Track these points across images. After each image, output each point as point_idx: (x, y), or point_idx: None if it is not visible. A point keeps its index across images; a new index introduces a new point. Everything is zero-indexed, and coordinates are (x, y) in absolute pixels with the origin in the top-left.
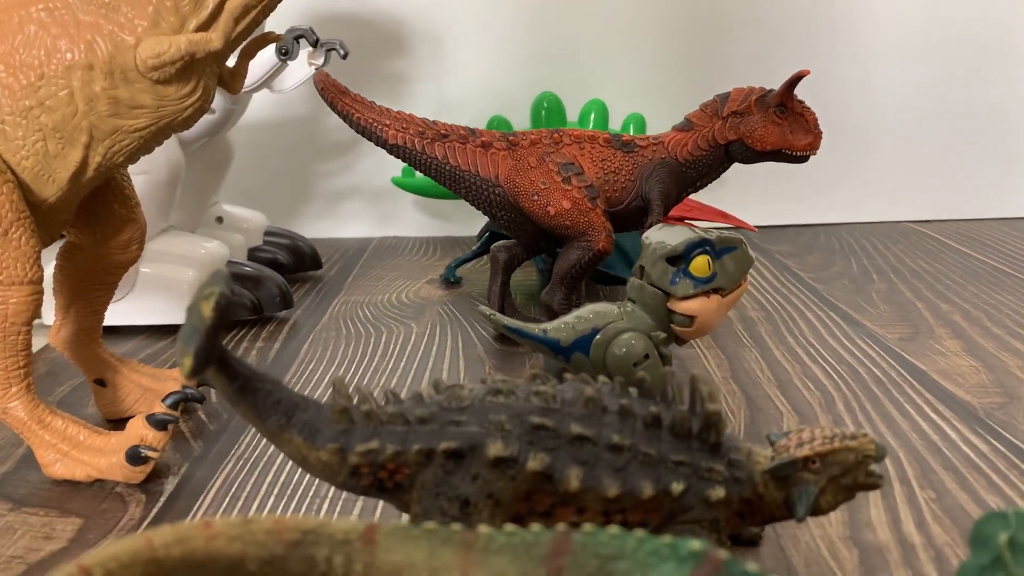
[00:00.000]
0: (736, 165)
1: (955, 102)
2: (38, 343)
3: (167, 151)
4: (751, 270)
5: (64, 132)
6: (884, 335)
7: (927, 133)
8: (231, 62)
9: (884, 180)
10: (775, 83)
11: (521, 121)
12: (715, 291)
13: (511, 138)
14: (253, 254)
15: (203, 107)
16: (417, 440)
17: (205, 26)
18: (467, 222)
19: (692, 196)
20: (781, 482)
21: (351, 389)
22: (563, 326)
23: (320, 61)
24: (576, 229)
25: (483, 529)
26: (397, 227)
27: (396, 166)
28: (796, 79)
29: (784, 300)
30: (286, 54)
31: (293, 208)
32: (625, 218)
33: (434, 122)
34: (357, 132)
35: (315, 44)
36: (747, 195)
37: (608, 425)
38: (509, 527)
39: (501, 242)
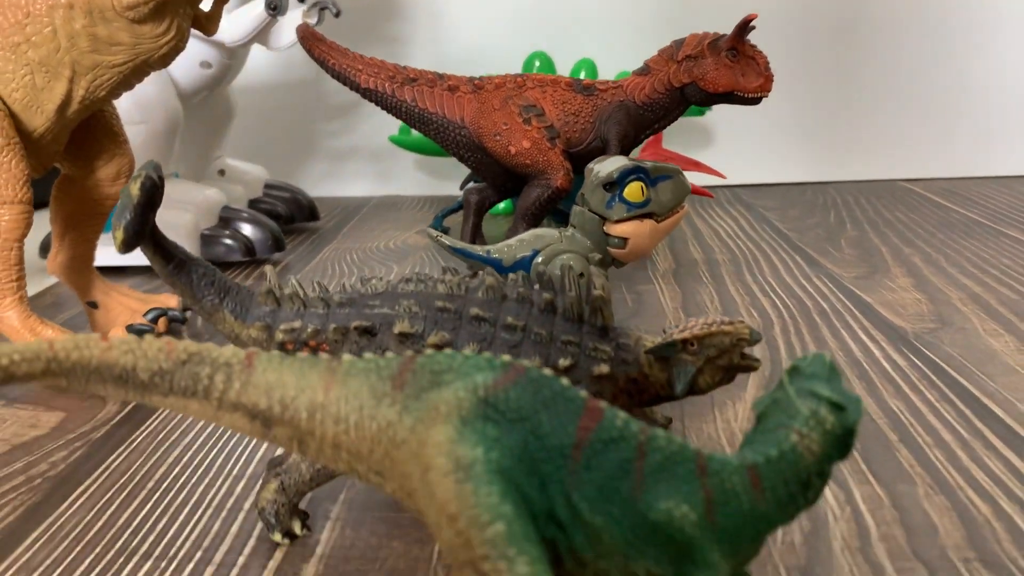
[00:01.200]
0: (729, 125)
1: (952, 60)
2: (49, 281)
3: (164, 102)
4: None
5: (49, 66)
6: (841, 274)
7: (921, 91)
8: (206, 5)
9: (878, 138)
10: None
11: None
12: (648, 216)
13: (476, 82)
14: (253, 205)
15: (178, 46)
16: (335, 320)
17: None
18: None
19: (670, 148)
20: (663, 363)
21: (288, 279)
22: (505, 248)
23: (313, 20)
24: (536, 167)
25: (346, 357)
26: (396, 185)
27: (396, 126)
28: (745, 23)
29: (754, 246)
30: (275, 9)
31: (297, 167)
32: (585, 158)
33: (404, 67)
34: (333, 77)
35: (278, 9)
36: (738, 154)
37: (506, 309)
38: (368, 355)
39: (473, 185)
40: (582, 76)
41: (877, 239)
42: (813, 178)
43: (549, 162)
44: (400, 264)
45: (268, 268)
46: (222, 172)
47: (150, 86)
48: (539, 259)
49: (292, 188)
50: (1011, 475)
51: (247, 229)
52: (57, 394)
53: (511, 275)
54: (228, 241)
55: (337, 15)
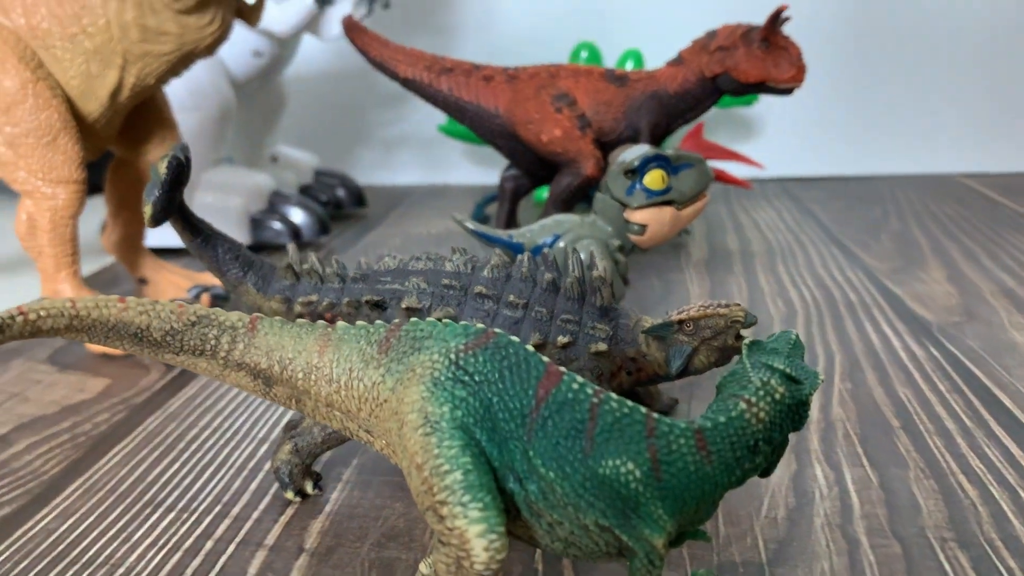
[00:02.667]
0: (780, 116)
1: (1017, 49)
2: (107, 260)
3: (217, 89)
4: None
5: (103, 55)
6: (875, 266)
7: (988, 80)
8: None
9: (937, 130)
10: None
11: None
12: (668, 203)
13: (511, 72)
14: (304, 191)
15: (222, 36)
16: (349, 294)
17: None
18: None
19: (716, 139)
20: (660, 342)
21: (308, 255)
22: (527, 232)
23: (363, 11)
24: (567, 155)
25: (340, 324)
26: (445, 174)
27: (445, 116)
28: (777, 13)
29: (792, 237)
30: (324, 1)
31: (348, 155)
32: (616, 143)
33: (442, 57)
34: (374, 67)
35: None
36: (788, 146)
37: (509, 288)
38: (360, 323)
39: (509, 171)
40: (628, 66)
41: (919, 232)
42: (867, 171)
43: (580, 150)
44: (436, 249)
45: (291, 245)
46: (274, 158)
47: (203, 74)
48: (561, 243)
49: (341, 175)
50: (1007, 462)
51: (295, 213)
52: (105, 362)
53: (519, 256)
54: (276, 225)
55: (386, 6)
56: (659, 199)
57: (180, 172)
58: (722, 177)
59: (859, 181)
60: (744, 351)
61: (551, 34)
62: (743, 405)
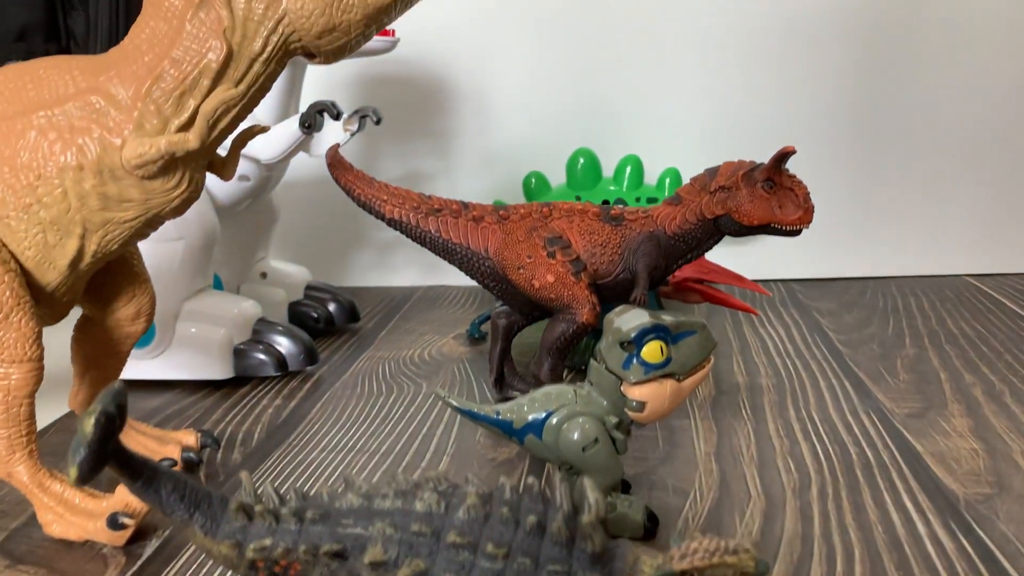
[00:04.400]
0: None
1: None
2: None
3: (201, 218)
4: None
5: (61, 225)
6: (892, 409)
7: (994, 177)
8: (225, 149)
9: (946, 230)
10: (805, 146)
11: (559, 174)
12: (669, 375)
13: (502, 212)
14: (294, 308)
15: (191, 197)
16: (307, 539)
17: (187, 126)
18: None
19: (710, 258)
20: None
21: (264, 486)
22: (516, 407)
23: (354, 127)
24: (560, 302)
25: None
26: (444, 276)
27: None
28: (782, 155)
29: (803, 366)
30: (309, 127)
31: (344, 258)
32: (614, 289)
33: (429, 197)
34: (358, 206)
35: (336, 117)
36: (796, 245)
37: (488, 532)
38: None
39: (501, 307)
40: (627, 172)
41: (937, 360)
42: (875, 272)
43: (574, 296)
44: (430, 381)
45: (244, 475)
46: (264, 275)
47: None
48: (553, 421)
49: (333, 289)
50: None
51: (280, 342)
52: (63, 553)
53: (500, 485)
54: (261, 356)
55: (378, 123)
56: (658, 372)
57: (110, 427)
58: (727, 303)
59: (868, 283)
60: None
61: (548, 139)
62: None
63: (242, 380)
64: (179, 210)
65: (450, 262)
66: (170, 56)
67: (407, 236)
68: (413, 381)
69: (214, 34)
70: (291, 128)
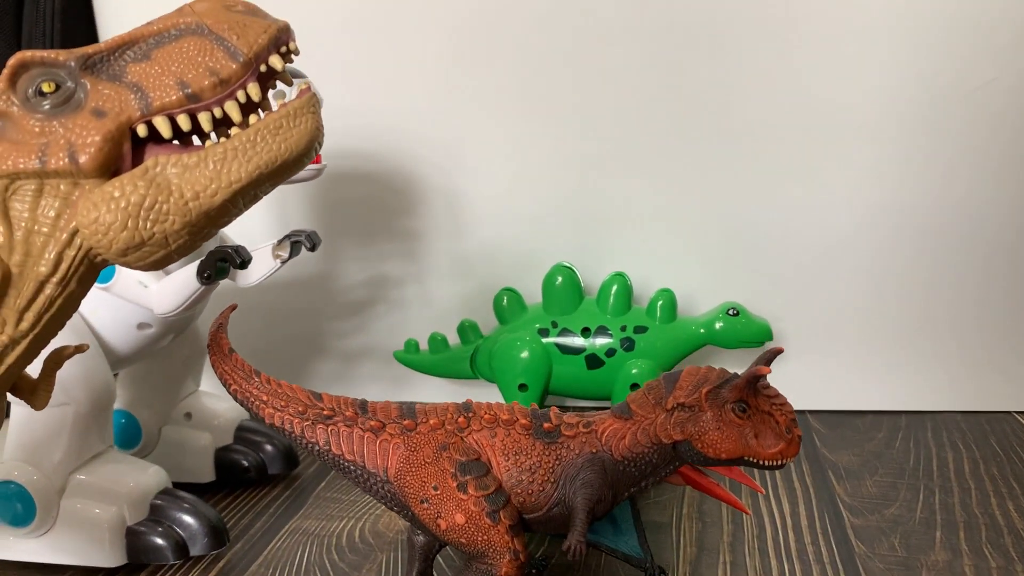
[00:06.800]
0: (801, 337)
1: None
2: None
3: (88, 379)
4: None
5: None
6: None
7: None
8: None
9: (991, 359)
10: (807, 271)
11: (535, 290)
12: None
13: (407, 422)
14: (221, 454)
15: None
16: None
17: None
18: (488, 387)
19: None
20: None
21: None
22: None
23: (285, 254)
24: (473, 548)
25: None
26: (412, 391)
27: (410, 331)
28: (755, 376)
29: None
30: (208, 278)
31: (304, 367)
32: (545, 525)
33: (320, 397)
34: (235, 401)
35: (241, 266)
36: (814, 373)
37: None
38: None
39: None
40: (613, 291)
41: (969, 557)
42: (907, 405)
43: (489, 543)
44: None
45: None
46: (189, 415)
47: (70, 363)
48: None
49: (267, 433)
50: None
51: (182, 521)
52: None
53: None
54: (158, 540)
55: (312, 249)
56: None
57: None
58: (714, 493)
59: (896, 420)
60: None
61: (524, 246)
62: None
63: (138, 566)
64: None
65: (346, 478)
66: None
67: (293, 444)
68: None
69: None
70: (188, 278)
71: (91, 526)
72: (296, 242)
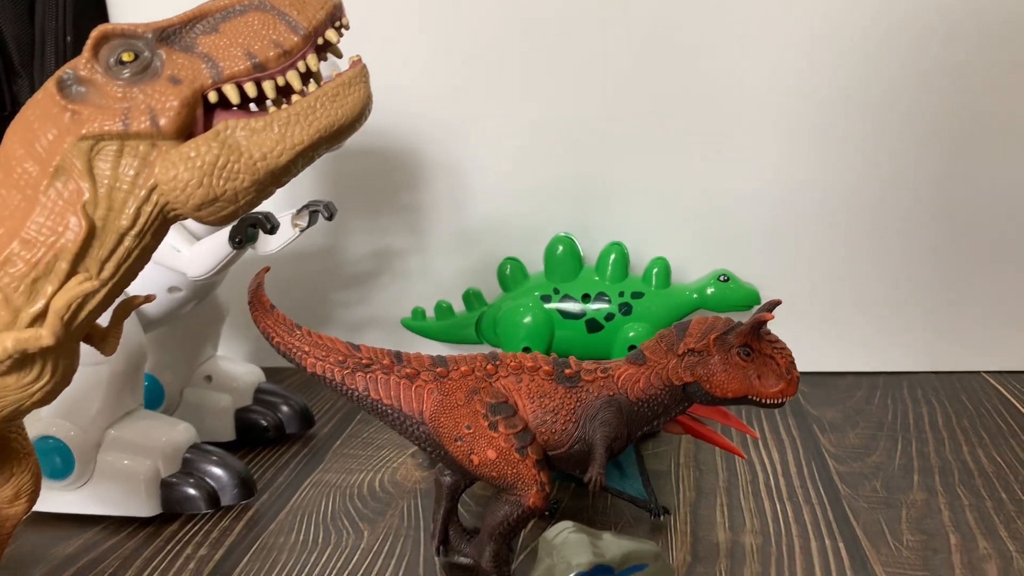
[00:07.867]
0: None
1: None
2: None
3: (125, 338)
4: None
5: None
6: None
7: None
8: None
9: (962, 321)
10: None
11: (539, 258)
12: None
13: (440, 369)
14: (241, 415)
15: (56, 387)
16: None
17: (43, 316)
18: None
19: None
20: None
21: None
22: None
23: (304, 223)
24: (503, 481)
25: None
26: None
27: (415, 301)
28: (759, 322)
29: (795, 515)
30: (240, 243)
31: None
32: (567, 461)
33: (358, 348)
34: (278, 354)
35: (271, 231)
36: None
37: None
38: None
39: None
40: (611, 259)
41: (948, 514)
42: (885, 367)
43: (519, 476)
44: (373, 527)
45: None
46: (209, 378)
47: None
48: None
49: (285, 393)
50: None
51: (213, 473)
52: None
53: None
54: (191, 491)
55: (330, 218)
56: None
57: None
58: (711, 439)
59: (875, 380)
60: None
61: (526, 219)
62: None
63: (169, 517)
64: (45, 399)
65: (382, 421)
66: (20, 235)
67: (332, 391)
68: (354, 526)
69: (72, 209)
70: (220, 243)
71: (128, 478)
72: (314, 211)
